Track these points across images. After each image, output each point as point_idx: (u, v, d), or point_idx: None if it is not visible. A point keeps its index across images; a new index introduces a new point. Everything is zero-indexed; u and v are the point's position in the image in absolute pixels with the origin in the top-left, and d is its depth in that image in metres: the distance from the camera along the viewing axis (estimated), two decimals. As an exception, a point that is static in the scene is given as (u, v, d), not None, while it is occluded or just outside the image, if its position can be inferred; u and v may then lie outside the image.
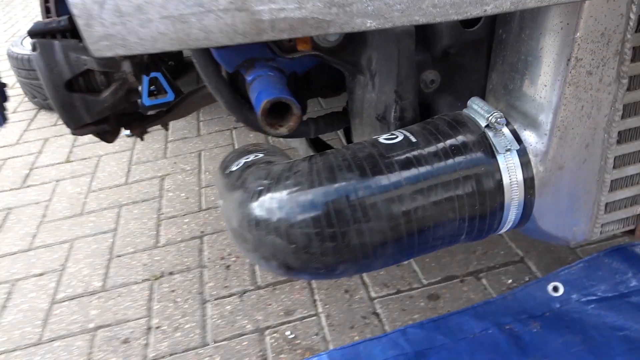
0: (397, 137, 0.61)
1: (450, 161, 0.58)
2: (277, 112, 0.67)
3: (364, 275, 1.55)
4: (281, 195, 0.58)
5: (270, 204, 0.59)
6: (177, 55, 2.66)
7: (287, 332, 1.42)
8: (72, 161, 2.32)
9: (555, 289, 1.36)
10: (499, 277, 1.49)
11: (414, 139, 0.60)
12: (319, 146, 1.06)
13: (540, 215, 0.62)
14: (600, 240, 1.54)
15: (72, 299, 1.57)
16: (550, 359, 1.22)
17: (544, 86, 0.58)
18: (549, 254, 1.54)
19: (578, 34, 0.53)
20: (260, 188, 0.61)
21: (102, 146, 2.35)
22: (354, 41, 0.73)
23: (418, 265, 1.57)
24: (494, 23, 0.64)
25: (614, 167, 0.64)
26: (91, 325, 1.48)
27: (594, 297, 1.31)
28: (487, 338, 1.30)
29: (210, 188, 1.98)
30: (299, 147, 1.20)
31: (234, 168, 0.72)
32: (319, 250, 0.57)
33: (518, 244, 1.59)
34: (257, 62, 0.74)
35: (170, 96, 2.20)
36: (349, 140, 1.13)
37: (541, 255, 1.54)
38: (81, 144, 2.43)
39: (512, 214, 0.60)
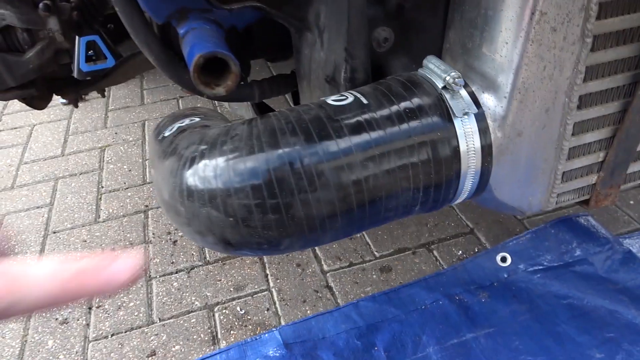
0: (346, 98, 0.55)
1: (404, 125, 0.52)
2: (213, 69, 0.59)
3: (317, 248, 1.51)
4: (216, 162, 0.51)
5: (204, 172, 0.51)
6: (117, 18, 2.47)
7: (238, 308, 1.36)
8: (1, 130, 2.11)
9: (504, 259, 1.37)
10: (449, 248, 1.49)
11: (365, 101, 0.54)
12: (265, 112, 0.98)
13: (497, 185, 0.58)
14: (547, 211, 1.57)
15: (2, 279, 1.44)
16: (498, 328, 1.23)
17: (504, 44, 0.53)
18: (498, 226, 1.54)
19: (543, -16, 0.48)
20: (194, 154, 0.53)
21: (36, 115, 2.16)
22: (301, -7, 0.65)
23: (370, 238, 1.54)
24: (453, -25, 0.58)
25: (573, 134, 0.61)
26: (24, 307, 1.36)
27: (540, 267, 1.33)
28: (437, 309, 1.30)
29: (156, 160, 1.86)
30: (245, 115, 1.12)
31: (167, 134, 0.63)
32: (260, 224, 0.50)
33: (468, 216, 1.58)
34: (191, 13, 0.65)
35: (110, 62, 2.02)
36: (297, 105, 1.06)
37: (490, 226, 1.55)
38: (11, 112, 2.22)
39: (468, 183, 0.55)
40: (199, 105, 2.12)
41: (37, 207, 1.67)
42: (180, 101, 2.18)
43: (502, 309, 1.28)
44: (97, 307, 1.36)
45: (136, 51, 1.52)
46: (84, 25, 1.37)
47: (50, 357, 1.25)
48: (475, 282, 1.34)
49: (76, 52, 2.05)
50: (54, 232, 1.58)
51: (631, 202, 1.56)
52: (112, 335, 1.29)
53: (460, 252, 1.48)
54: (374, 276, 1.43)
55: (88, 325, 1.31)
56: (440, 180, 0.53)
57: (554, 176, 0.61)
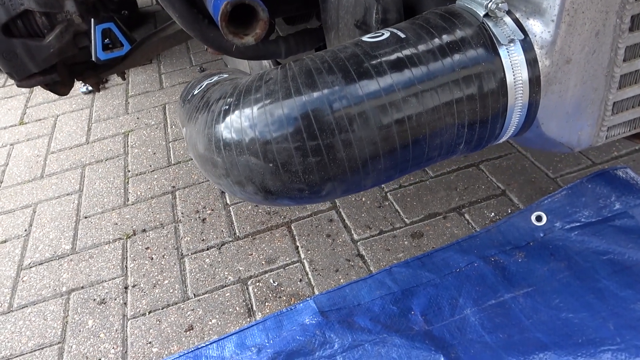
0: (383, 34, 0.52)
1: (446, 59, 0.49)
2: (240, 19, 0.57)
3: (346, 218, 1.49)
4: (252, 107, 0.49)
5: (240, 119, 0.49)
6: (131, 5, 2.45)
7: (271, 280, 1.35)
8: (27, 123, 2.14)
9: (539, 218, 1.33)
10: (481, 211, 1.45)
11: (402, 35, 0.51)
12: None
13: (544, 119, 0.55)
14: (580, 168, 1.51)
15: (40, 264, 1.46)
16: (537, 287, 1.20)
17: (551, -38, 0.49)
18: (530, 185, 1.50)
19: None
20: (228, 102, 0.51)
21: (58, 105, 2.17)
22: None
23: (399, 205, 1.51)
24: None
25: (625, 60, 0.57)
26: (64, 289, 1.38)
27: (578, 224, 1.29)
28: (473, 271, 1.27)
29: (179, 142, 1.86)
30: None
31: (196, 92, 0.62)
32: (301, 168, 0.48)
33: (499, 178, 1.54)
34: (215, -34, 0.62)
35: (126, 49, 2.02)
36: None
37: (522, 187, 1.50)
38: (35, 105, 2.24)
39: (515, 118, 0.52)
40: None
41: (67, 194, 1.69)
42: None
43: (540, 268, 1.24)
44: (133, 287, 1.37)
45: (151, 32, 1.51)
46: (99, 7, 1.36)
47: (92, 337, 1.26)
48: (511, 243, 1.31)
49: (93, 41, 2.05)
50: (85, 217, 1.60)
51: (669, 153, 1.50)
52: (149, 312, 1.30)
53: (492, 214, 1.44)
54: (406, 242, 1.41)
55: (125, 304, 1.33)
56: (486, 115, 0.50)
57: (604, 107, 0.57)
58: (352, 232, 1.46)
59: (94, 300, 1.36)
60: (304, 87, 0.48)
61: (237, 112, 0.51)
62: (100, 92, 2.21)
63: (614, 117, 0.60)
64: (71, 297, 1.37)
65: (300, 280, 1.35)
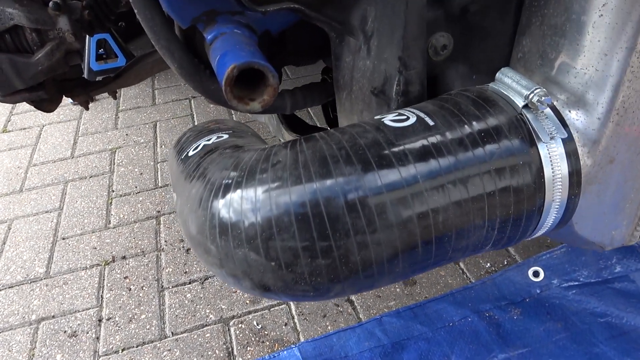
0: (408, 118, 0.45)
1: (479, 151, 0.43)
2: (246, 81, 0.50)
3: (336, 258, 1.42)
4: (256, 194, 0.41)
5: (241, 205, 0.42)
6: (128, 16, 2.37)
7: (254, 322, 1.27)
8: (10, 131, 2.02)
9: (536, 273, 1.28)
10: (477, 260, 1.39)
11: (431, 122, 0.44)
12: (292, 123, 0.88)
13: (579, 218, 0.49)
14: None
15: (10, 287, 1.36)
16: (532, 349, 1.15)
17: (603, 55, 0.43)
18: (526, 236, 1.46)
19: (660, -16, 0.39)
20: (227, 182, 0.44)
21: (45, 115, 2.07)
22: (344, -8, 0.56)
23: (393, 248, 1.45)
24: (530, -28, 0.49)
25: (669, 160, 0.51)
26: (33, 317, 1.28)
27: (576, 283, 1.24)
28: (466, 326, 1.21)
29: (168, 163, 1.78)
30: (268, 123, 1.02)
31: (191, 152, 0.54)
32: (307, 270, 0.41)
33: (495, 225, 1.50)
34: (220, 16, 0.55)
35: (121, 60, 1.93)
36: (327, 118, 0.96)
37: (518, 236, 1.46)
38: (20, 112, 2.13)
39: (551, 217, 0.46)
40: (212, 106, 2.03)
41: (46, 212, 1.59)
42: (192, 101, 2.09)
43: (536, 328, 1.19)
44: (108, 320, 1.28)
45: (148, 51, 1.42)
46: (95, 25, 1.28)
47: (60, 374, 1.17)
48: (506, 298, 1.25)
49: (86, 51, 1.95)
50: (63, 239, 1.50)
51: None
52: (122, 350, 1.21)
53: (488, 264, 1.39)
54: (398, 290, 1.35)
55: (98, 338, 1.23)
56: (520, 213, 0.44)
57: (642, 208, 0.52)
58: (343, 274, 1.38)
59: (65, 332, 1.27)
60: (317, 176, 0.41)
61: (238, 193, 0.43)
62: (90, 104, 2.12)
63: (649, 217, 0.55)
64: (40, 327, 1.27)
65: (286, 325, 1.27)
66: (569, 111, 0.46)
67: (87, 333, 1.26)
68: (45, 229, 1.54)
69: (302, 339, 1.25)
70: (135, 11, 0.55)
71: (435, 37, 0.54)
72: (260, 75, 0.49)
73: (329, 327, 1.27)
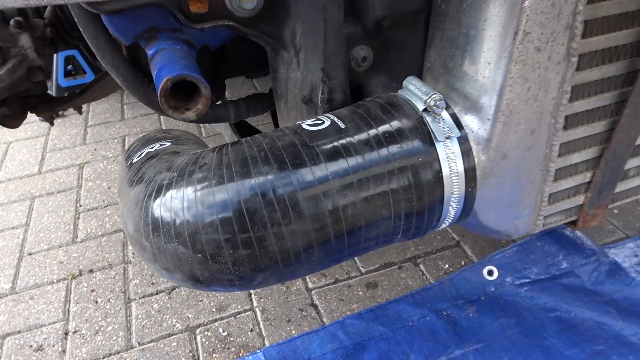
0: (323, 122, 0.51)
1: (383, 151, 0.49)
2: (182, 92, 0.55)
3: (301, 265, 1.47)
4: (184, 193, 0.47)
5: (170, 204, 0.47)
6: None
7: (220, 330, 1.31)
8: (-24, 148, 2.04)
9: (490, 272, 1.34)
10: (436, 262, 1.46)
11: (342, 125, 0.50)
12: (245, 131, 0.94)
13: (482, 209, 0.55)
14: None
15: (-25, 304, 1.37)
16: (486, 344, 1.20)
17: (487, 64, 0.50)
18: (484, 238, 1.52)
19: (527, 3, 0.45)
20: (159, 185, 0.49)
21: (12, 131, 2.09)
22: (275, 10, 0.62)
23: (356, 253, 1.50)
24: (433, -9, 0.55)
25: (559, 155, 0.58)
26: (-2, 333, 1.30)
27: (527, 280, 1.30)
28: (425, 325, 1.26)
29: (137, 176, 1.81)
30: (224, 133, 1.08)
31: (135, 160, 0.59)
32: (231, 260, 0.46)
33: (454, 229, 1.56)
34: (161, 33, 0.61)
35: (89, 76, 1.96)
36: (276, 125, 1.02)
37: (476, 239, 1.52)
38: (-13, 129, 2.15)
39: (452, 209, 0.52)
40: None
41: (12, 228, 1.61)
42: (161, 116, 2.13)
43: (490, 324, 1.25)
44: (74, 333, 1.30)
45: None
46: (59, 42, 1.32)
47: (24, 388, 1.19)
48: (463, 297, 1.31)
49: (54, 68, 1.98)
50: (30, 254, 1.52)
51: (615, 211, 1.55)
52: (90, 361, 1.23)
53: (447, 265, 1.45)
54: (360, 292, 1.39)
55: (64, 351, 1.25)
56: (422, 206, 0.50)
57: (541, 198, 0.58)
58: (307, 280, 1.43)
59: (31, 346, 1.28)
60: (237, 176, 0.47)
61: (168, 194, 0.48)
62: (59, 120, 2.14)
63: (550, 207, 0.61)
64: (5, 342, 1.29)
65: (251, 331, 1.31)
66: (465, 114, 0.52)
67: (53, 347, 1.28)
68: (11, 245, 1.55)
69: (267, 344, 1.28)
70: (81, 30, 0.61)
71: (355, 50, 0.60)
72: (194, 87, 0.55)
73: (294, 332, 1.31)
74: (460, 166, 0.50)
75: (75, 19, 0.59)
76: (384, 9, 0.54)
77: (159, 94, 0.52)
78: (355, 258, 1.50)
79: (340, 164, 0.48)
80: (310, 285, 1.41)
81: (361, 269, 1.44)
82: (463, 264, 1.44)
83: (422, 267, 1.44)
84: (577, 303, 1.25)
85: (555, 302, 1.25)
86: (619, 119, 0.57)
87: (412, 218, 0.51)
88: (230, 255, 0.45)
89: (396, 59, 0.61)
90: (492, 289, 1.32)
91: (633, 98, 0.56)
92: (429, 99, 0.50)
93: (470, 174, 0.51)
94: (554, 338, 1.21)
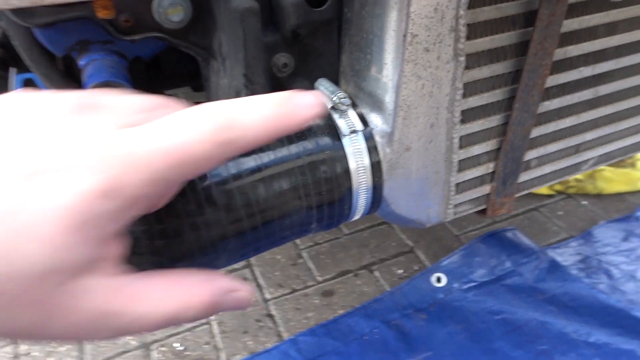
0: (238, 121, 0.55)
1: (292, 146, 0.53)
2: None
3: (259, 276, 1.49)
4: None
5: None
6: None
7: (176, 344, 1.31)
8: None
9: (439, 279, 1.39)
10: (390, 268, 1.50)
11: (255, 123, 0.54)
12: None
13: (392, 199, 0.59)
14: (482, 225, 1.61)
15: None
16: (436, 352, 1.24)
17: (385, 64, 0.55)
18: (437, 243, 1.57)
19: (412, 8, 0.51)
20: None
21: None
22: (203, 21, 0.66)
23: (313, 263, 1.53)
24: (342, 1, 0.61)
25: (461, 147, 0.63)
26: (-55, 359, 1.26)
27: (474, 284, 1.35)
28: (376, 336, 1.29)
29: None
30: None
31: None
32: (148, 250, 0.49)
33: (408, 235, 1.61)
34: (92, 45, 0.65)
35: (48, 99, 1.98)
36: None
37: (429, 244, 1.57)
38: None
39: (361, 200, 0.56)
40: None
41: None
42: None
43: (439, 331, 1.29)
44: (25, 355, 1.28)
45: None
46: (10, 63, 1.34)
47: (-30, 412, 1.16)
48: (413, 305, 1.35)
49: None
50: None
51: (559, 212, 1.63)
52: (40, 382, 1.21)
53: (400, 271, 1.49)
54: (316, 301, 1.42)
55: (15, 374, 1.23)
56: (332, 198, 0.54)
57: (448, 188, 0.63)
58: (265, 291, 1.45)
59: (-21, 369, 1.25)
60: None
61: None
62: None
63: (458, 196, 0.66)
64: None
65: (207, 344, 1.31)
66: (371, 112, 0.57)
67: (3, 369, 1.26)
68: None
69: (223, 356, 1.29)
70: (15, 43, 0.63)
71: (277, 57, 0.65)
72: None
73: (250, 343, 1.32)
74: (366, 159, 0.55)
75: (8, 33, 0.62)
76: (298, 18, 0.59)
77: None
78: (312, 267, 1.53)
79: (252, 159, 0.51)
80: (267, 295, 1.43)
81: (318, 277, 1.47)
82: (417, 269, 1.48)
83: (377, 273, 1.48)
84: (521, 304, 1.30)
85: (501, 305, 1.30)
86: (512, 113, 0.63)
87: (324, 209, 0.55)
88: (148, 245, 0.48)
89: (316, 65, 0.66)
90: (442, 296, 1.36)
91: (520, 93, 0.62)
92: (335, 97, 0.55)
93: (376, 166, 0.56)
94: (501, 341, 1.25)
